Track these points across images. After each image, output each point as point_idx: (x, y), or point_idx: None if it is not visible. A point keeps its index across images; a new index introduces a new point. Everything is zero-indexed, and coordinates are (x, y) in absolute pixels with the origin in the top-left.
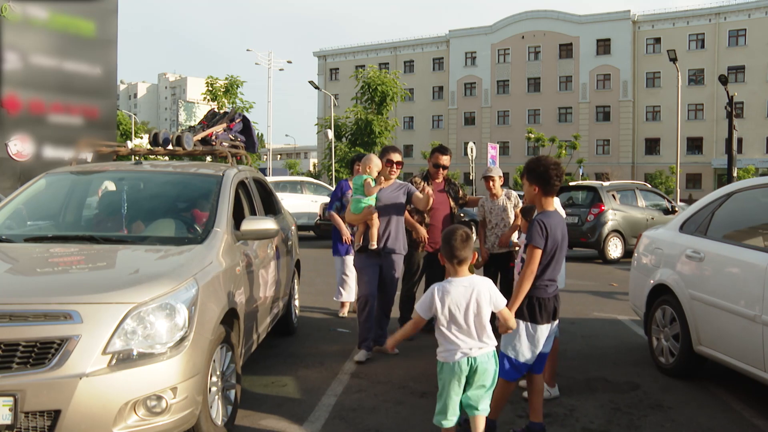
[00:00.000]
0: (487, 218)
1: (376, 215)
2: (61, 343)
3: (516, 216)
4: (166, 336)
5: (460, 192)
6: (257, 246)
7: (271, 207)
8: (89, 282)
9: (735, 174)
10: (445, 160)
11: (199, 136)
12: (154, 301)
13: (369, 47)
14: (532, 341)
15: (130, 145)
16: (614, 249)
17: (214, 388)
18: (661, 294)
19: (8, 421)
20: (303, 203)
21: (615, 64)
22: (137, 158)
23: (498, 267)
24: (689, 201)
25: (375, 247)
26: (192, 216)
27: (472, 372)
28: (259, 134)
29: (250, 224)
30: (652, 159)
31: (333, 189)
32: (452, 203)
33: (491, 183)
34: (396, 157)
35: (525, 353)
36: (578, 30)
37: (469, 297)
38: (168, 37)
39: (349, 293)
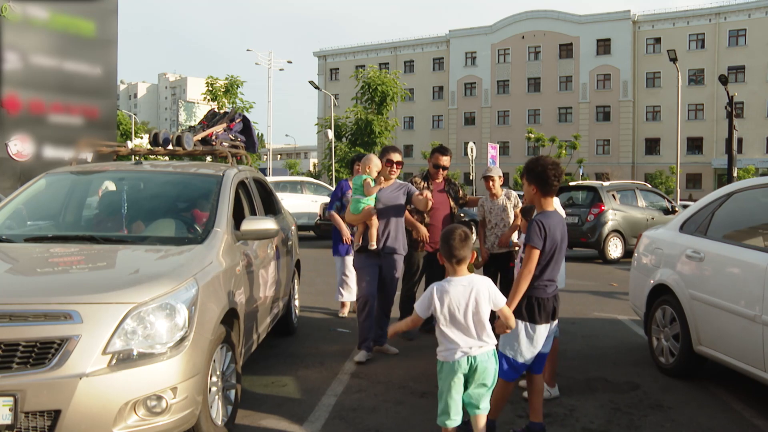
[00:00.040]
0: (487, 218)
1: (375, 215)
2: (61, 343)
3: (516, 216)
4: (166, 336)
5: (460, 192)
6: (257, 246)
7: (271, 207)
8: (89, 282)
9: (735, 174)
10: (445, 160)
11: (199, 136)
12: (154, 301)
13: (369, 47)
14: (530, 341)
15: (130, 145)
16: (614, 249)
17: (214, 388)
18: (661, 294)
19: (8, 421)
20: (303, 203)
21: (615, 64)
22: (137, 158)
23: (498, 267)
24: (690, 200)
25: (374, 247)
26: (192, 216)
27: (472, 371)
28: (259, 134)
29: (250, 224)
30: (652, 159)
31: (333, 189)
32: (452, 203)
33: (491, 183)
34: (396, 157)
35: (524, 353)
36: (578, 30)
37: (468, 296)
38: (168, 37)
39: (350, 293)
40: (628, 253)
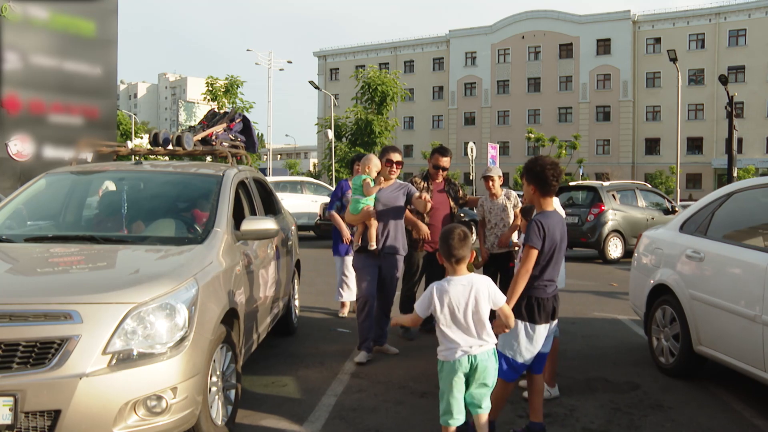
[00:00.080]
0: (487, 218)
1: (375, 216)
2: (61, 343)
3: (515, 216)
4: (166, 336)
5: (460, 192)
6: (257, 246)
7: (271, 207)
8: (89, 282)
9: (735, 174)
10: (445, 161)
11: (199, 136)
12: (154, 301)
13: (369, 47)
14: (530, 341)
15: (130, 145)
16: (614, 249)
17: (214, 388)
18: (661, 294)
19: (8, 421)
20: (303, 203)
21: (615, 64)
22: (137, 158)
23: (498, 267)
24: (690, 200)
25: (374, 247)
26: (192, 216)
27: (473, 370)
28: (259, 134)
29: (250, 224)
30: (652, 159)
31: (333, 189)
32: (452, 203)
33: (491, 183)
34: (396, 157)
35: (523, 353)
36: (578, 30)
37: (467, 295)
38: (168, 37)
39: (349, 293)
40: (628, 253)
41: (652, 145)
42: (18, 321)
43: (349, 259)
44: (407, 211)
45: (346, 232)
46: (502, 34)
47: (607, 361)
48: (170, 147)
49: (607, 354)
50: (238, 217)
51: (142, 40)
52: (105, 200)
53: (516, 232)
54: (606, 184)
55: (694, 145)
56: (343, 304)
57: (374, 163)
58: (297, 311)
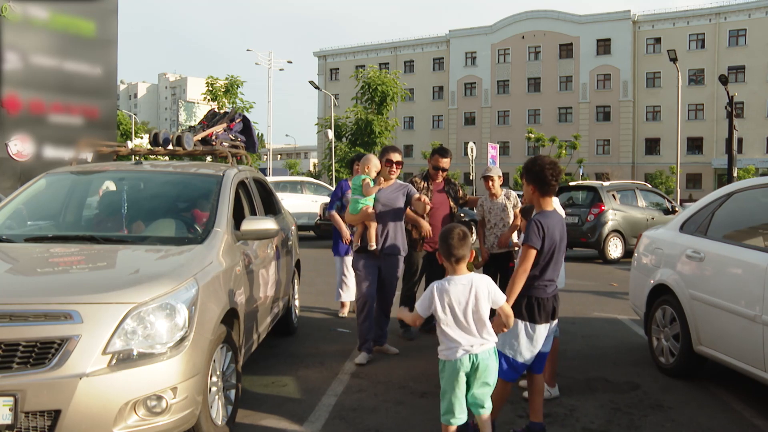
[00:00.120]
0: (486, 218)
1: (374, 216)
2: (62, 343)
3: (515, 216)
4: (166, 336)
5: (460, 192)
6: (257, 246)
7: (271, 207)
8: (89, 282)
9: (735, 174)
10: (444, 162)
11: (200, 136)
12: (154, 301)
13: (369, 47)
14: (530, 341)
15: (130, 145)
16: (614, 249)
17: (214, 388)
18: (661, 294)
19: (8, 421)
20: (303, 203)
21: (615, 64)
22: (137, 158)
23: (497, 267)
24: (690, 201)
25: (374, 247)
26: (192, 216)
27: (474, 369)
28: (260, 134)
29: (250, 224)
30: (652, 159)
31: (333, 189)
32: (452, 203)
33: (490, 183)
34: (396, 157)
35: (523, 353)
36: (578, 30)
37: (468, 294)
38: (168, 37)
39: (349, 293)
40: (628, 253)
41: (652, 145)
42: (18, 321)
43: (349, 259)
44: (408, 210)
45: (346, 233)
46: (502, 34)
47: (607, 361)
48: (170, 147)
49: (607, 354)
50: (238, 217)
51: (142, 40)
52: (105, 200)
53: (516, 232)
54: (606, 184)
55: (694, 145)
56: (343, 304)
57: (373, 164)
58: (297, 311)
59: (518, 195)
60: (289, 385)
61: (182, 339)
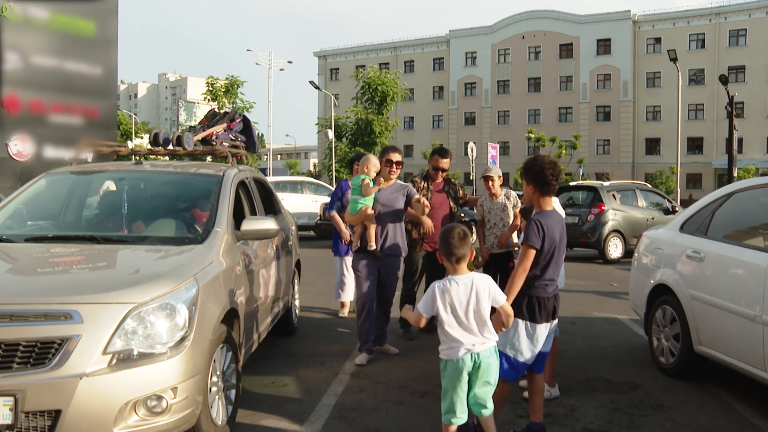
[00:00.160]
0: (486, 218)
1: (373, 216)
2: (62, 343)
3: (515, 216)
4: (166, 336)
5: (460, 192)
6: (257, 246)
7: (272, 207)
8: (90, 282)
9: (735, 174)
10: (444, 163)
11: (200, 136)
12: (155, 301)
13: (369, 47)
14: (531, 340)
15: (130, 145)
16: (614, 249)
17: (214, 388)
18: (661, 294)
19: (9, 421)
20: (303, 203)
21: (615, 64)
22: (137, 158)
23: (497, 267)
24: (690, 201)
25: (373, 247)
26: (192, 216)
27: (476, 368)
28: (260, 134)
29: (250, 224)
30: (652, 159)
31: (333, 189)
32: (452, 203)
33: (490, 183)
34: (395, 157)
35: (524, 352)
36: (578, 30)
37: (469, 294)
38: (168, 37)
39: (348, 293)
40: (628, 253)
41: (653, 145)
42: (18, 321)
43: (349, 260)
44: (409, 209)
45: (346, 233)
46: (502, 34)
47: (607, 361)
48: (170, 147)
49: (607, 354)
50: (238, 217)
51: (142, 40)
52: (105, 200)
53: (516, 232)
54: (606, 184)
55: (695, 145)
56: (343, 304)
57: (373, 163)
58: (297, 311)
59: (518, 195)
60: (289, 385)
61: (182, 339)
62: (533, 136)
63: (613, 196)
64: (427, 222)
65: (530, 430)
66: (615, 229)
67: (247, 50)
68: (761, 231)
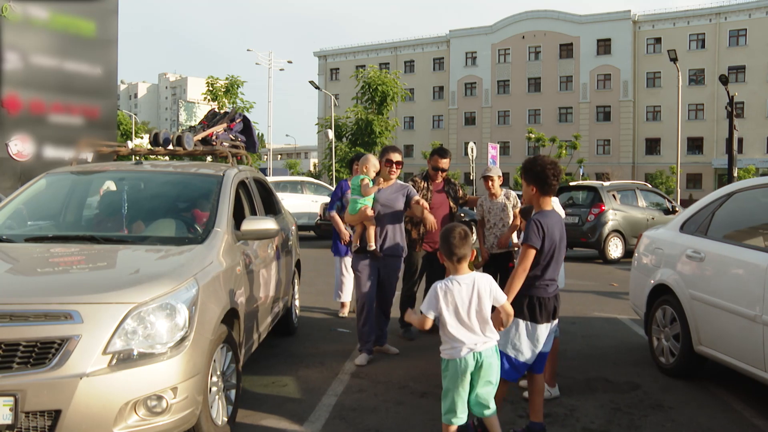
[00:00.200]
0: (486, 218)
1: (373, 216)
2: (62, 343)
3: (515, 216)
4: (166, 336)
5: (460, 191)
6: (257, 246)
7: (272, 207)
8: (90, 282)
9: (735, 174)
10: (444, 163)
11: (200, 136)
12: (155, 301)
13: (369, 47)
14: (532, 340)
15: (130, 145)
16: (614, 249)
17: (214, 388)
18: (661, 294)
19: (9, 421)
20: (303, 203)
21: (615, 64)
22: (138, 158)
23: (497, 267)
24: (690, 201)
25: (373, 248)
26: (192, 216)
27: (478, 367)
28: (260, 134)
29: (250, 224)
30: (652, 159)
31: (333, 189)
32: (452, 203)
33: (490, 183)
34: (395, 157)
35: (525, 352)
36: (578, 30)
37: (471, 293)
38: (168, 37)
39: (347, 293)
40: (628, 253)
41: (653, 145)
42: (18, 321)
43: (348, 260)
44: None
45: (345, 234)
46: (503, 34)
47: (607, 361)
48: (170, 147)
49: (607, 354)
50: (238, 217)
51: (142, 40)
52: (105, 200)
53: (516, 232)
54: (606, 184)
55: (695, 145)
56: (343, 304)
57: (372, 163)
58: (297, 311)
59: (518, 195)
60: (289, 385)
61: (182, 339)
62: (533, 136)
63: (613, 196)
64: (430, 218)
65: (530, 430)
66: (615, 229)
67: (247, 50)
68: (761, 231)
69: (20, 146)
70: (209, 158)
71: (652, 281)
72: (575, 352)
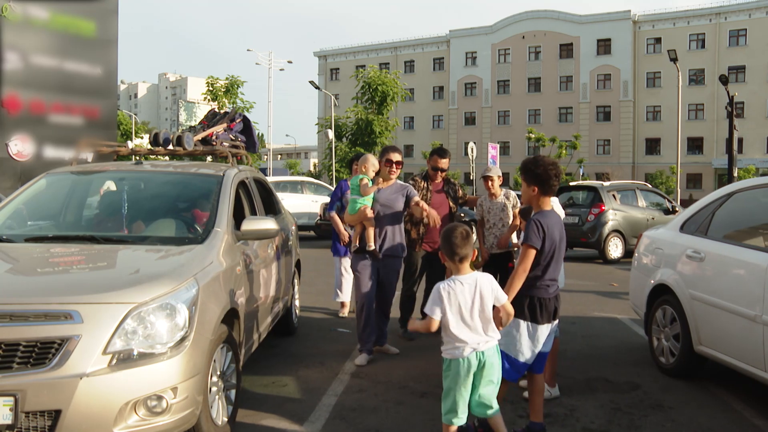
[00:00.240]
0: (485, 218)
1: (372, 216)
2: (62, 343)
3: (514, 216)
4: (166, 336)
5: (459, 191)
6: (257, 246)
7: (272, 207)
8: (90, 282)
9: (735, 174)
10: (443, 163)
11: (200, 136)
12: (155, 301)
13: (369, 47)
14: (532, 341)
15: (130, 145)
16: (615, 249)
17: (214, 388)
18: (661, 294)
19: (9, 421)
20: (303, 203)
21: (615, 64)
22: (138, 158)
23: (497, 267)
24: (690, 201)
25: (372, 248)
26: (192, 216)
27: (480, 367)
28: (260, 134)
29: (250, 224)
30: (652, 159)
31: (333, 189)
32: (451, 203)
33: (490, 183)
34: (395, 156)
35: (525, 353)
36: (579, 30)
37: (474, 293)
38: (168, 37)
39: (347, 293)
40: (628, 253)
41: (653, 145)
42: (18, 321)
43: (347, 260)
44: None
45: (344, 235)
46: (503, 34)
47: (607, 361)
48: (170, 147)
49: (607, 354)
50: (238, 217)
51: (142, 40)
52: (105, 200)
53: (515, 232)
54: (606, 184)
55: (695, 145)
56: (343, 304)
57: (371, 163)
58: (297, 311)
59: (518, 195)
60: (289, 385)
61: (182, 339)
62: (533, 136)
63: (613, 196)
64: (432, 212)
65: (530, 430)
66: (615, 229)
67: (247, 50)
68: (761, 231)
69: (20, 146)
70: (209, 158)
71: (652, 281)
72: (575, 352)
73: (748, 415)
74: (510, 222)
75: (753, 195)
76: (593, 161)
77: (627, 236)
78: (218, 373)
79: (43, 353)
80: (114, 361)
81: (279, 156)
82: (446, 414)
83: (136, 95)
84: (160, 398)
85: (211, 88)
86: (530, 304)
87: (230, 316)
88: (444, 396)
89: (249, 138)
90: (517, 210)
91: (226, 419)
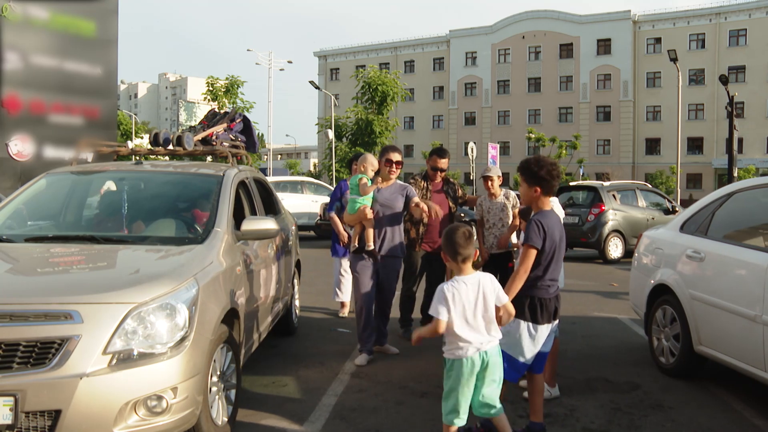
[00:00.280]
0: (485, 218)
1: (371, 216)
2: (62, 343)
3: (514, 216)
4: (166, 336)
5: (459, 191)
6: (257, 246)
7: (272, 207)
8: (90, 282)
9: (735, 174)
10: (442, 163)
11: (200, 136)
12: (155, 301)
13: (369, 47)
14: (532, 341)
15: (130, 145)
16: (615, 249)
17: (214, 388)
18: (661, 294)
19: (9, 421)
20: (303, 203)
21: (615, 64)
22: (138, 158)
23: (497, 267)
24: (690, 201)
25: (372, 248)
26: (192, 216)
27: (483, 367)
28: (260, 134)
29: (250, 224)
30: (652, 159)
31: (333, 189)
32: (451, 203)
33: (490, 183)
34: (395, 156)
35: (525, 353)
36: (579, 30)
37: (477, 293)
38: (168, 37)
39: (346, 293)
40: (628, 253)
41: (653, 145)
42: (18, 321)
43: (346, 261)
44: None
45: (344, 235)
46: (503, 34)
47: (607, 361)
48: (170, 147)
49: (607, 354)
50: (238, 217)
51: (142, 40)
52: (105, 200)
53: (515, 232)
54: (606, 184)
55: (695, 145)
56: (343, 304)
57: (370, 162)
58: (297, 311)
59: (517, 195)
60: (289, 385)
61: (182, 339)
62: (533, 136)
63: (613, 196)
64: (434, 206)
65: (530, 430)
66: (615, 229)
67: (247, 50)
68: (761, 231)
69: (20, 146)
70: (209, 158)
71: (652, 281)
72: (575, 352)
73: (748, 415)
74: (510, 222)
75: (753, 195)
76: (593, 161)
77: (627, 236)
78: (218, 373)
79: (43, 353)
80: (114, 361)
81: (279, 156)
82: (448, 414)
83: (136, 95)
84: (160, 398)
85: (211, 88)
86: (531, 305)
87: (230, 316)
88: (446, 396)
89: (249, 138)
90: (516, 210)
91: (226, 419)
